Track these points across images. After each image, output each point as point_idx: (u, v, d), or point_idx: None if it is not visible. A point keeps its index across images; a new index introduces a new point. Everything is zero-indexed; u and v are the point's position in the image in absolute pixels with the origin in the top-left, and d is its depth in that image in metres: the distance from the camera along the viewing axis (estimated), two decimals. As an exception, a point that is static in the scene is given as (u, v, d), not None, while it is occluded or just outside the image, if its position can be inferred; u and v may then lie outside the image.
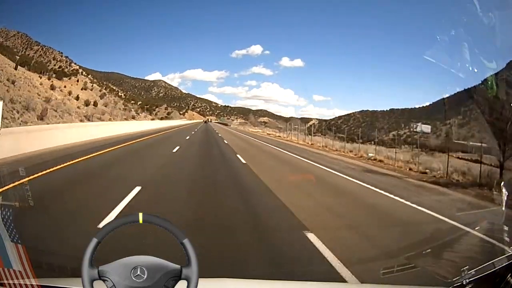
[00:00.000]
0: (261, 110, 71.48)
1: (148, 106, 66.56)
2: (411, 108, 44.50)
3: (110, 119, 35.96)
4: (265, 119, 69.42)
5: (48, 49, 49.47)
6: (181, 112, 71.61)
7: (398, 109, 46.99)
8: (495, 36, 3.51)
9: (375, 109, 51.84)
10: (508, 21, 3.43)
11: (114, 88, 62.22)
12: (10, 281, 1.36)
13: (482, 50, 4.35)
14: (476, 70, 4.37)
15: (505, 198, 2.28)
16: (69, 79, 43.73)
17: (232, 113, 74.00)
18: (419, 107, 43.14)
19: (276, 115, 70.48)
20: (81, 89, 43.19)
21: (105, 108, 42.67)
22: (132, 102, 62.11)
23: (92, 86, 46.66)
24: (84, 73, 51.90)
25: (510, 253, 1.52)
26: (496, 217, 4.10)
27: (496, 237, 3.82)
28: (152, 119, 54.13)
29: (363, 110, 53.35)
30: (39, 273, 1.50)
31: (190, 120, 71.61)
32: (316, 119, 66.85)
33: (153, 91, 71.38)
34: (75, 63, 51.97)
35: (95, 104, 40.74)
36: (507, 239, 3.27)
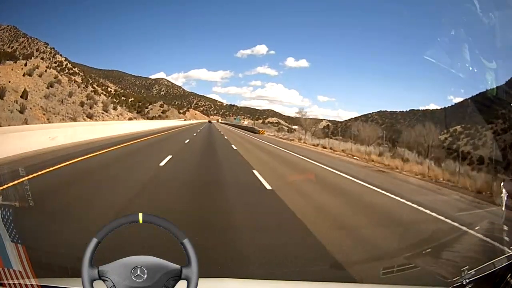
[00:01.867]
0: (268, 110, 69.04)
1: (141, 103, 62.49)
2: (432, 110, 40.59)
3: (26, 121, 25.40)
4: (274, 119, 67.01)
5: (33, 40, 47.70)
6: (181, 111, 67.76)
7: (419, 110, 43.09)
8: (495, 36, 3.52)
9: (394, 110, 48.29)
10: (508, 21, 3.43)
11: (105, 83, 59.33)
12: (10, 281, 1.36)
13: (482, 50, 4.36)
14: (476, 70, 4.37)
15: (505, 198, 2.29)
16: (15, 62, 35.85)
17: (238, 112, 71.39)
18: (440, 108, 39.04)
19: (284, 116, 68.31)
20: (23, 75, 34.04)
21: (44, 100, 32.21)
22: (123, 98, 58.56)
23: (45, 71, 37.16)
24: (66, 63, 48.75)
25: (510, 253, 1.52)
26: (496, 217, 4.10)
27: (496, 237, 3.82)
28: (131, 119, 44.41)
29: (380, 111, 49.90)
30: (39, 273, 1.50)
31: (192, 120, 66.21)
32: (327, 120, 64.73)
33: (154, 89, 69.30)
34: (60, 55, 49.61)
35: (24, 95, 30.17)
36: (507, 239, 3.27)
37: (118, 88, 66.86)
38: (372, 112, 50.19)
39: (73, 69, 51.39)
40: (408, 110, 45.71)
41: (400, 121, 44.85)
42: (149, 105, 65.35)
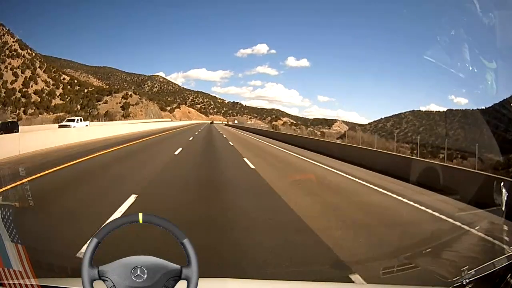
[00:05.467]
0: (275, 109, 63.58)
1: (97, 95, 46.92)
2: (472, 110, 33.14)
3: None
4: (286, 119, 60.04)
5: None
6: (169, 108, 55.83)
7: (458, 110, 36.80)
8: (495, 36, 3.52)
9: (429, 110, 41.98)
10: (508, 21, 3.43)
11: (60, 70, 49.71)
12: (10, 281, 1.36)
13: (482, 50, 4.36)
14: (476, 70, 4.38)
15: (505, 198, 2.29)
16: None
17: (243, 112, 65.16)
18: (485, 108, 33.29)
19: (292, 115, 61.84)
20: None
21: None
22: (77, 87, 48.21)
23: None
24: (12, 45, 43.48)
25: (510, 253, 1.52)
26: (496, 217, 4.10)
27: (496, 237, 3.83)
28: None
29: (414, 110, 44.42)
30: (39, 273, 1.50)
31: (179, 121, 50.73)
32: (342, 121, 59.26)
33: (146, 85, 63.55)
34: (12, 36, 45.81)
35: None
36: (507, 238, 3.28)
37: (101, 83, 57.02)
38: (405, 112, 44.95)
39: (18, 51, 45.57)
40: (445, 109, 40.29)
41: (439, 122, 38.54)
42: (108, 95, 48.51)
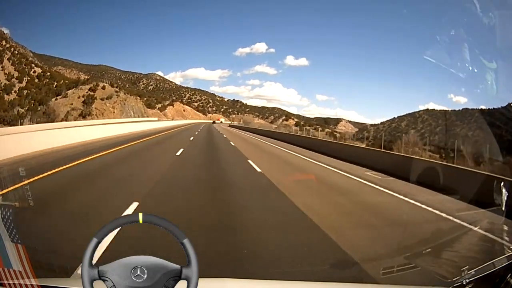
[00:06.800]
0: (277, 108, 60.95)
1: (56, 87, 39.02)
2: (489, 109, 27.74)
3: None
4: (295, 119, 54.54)
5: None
6: (159, 105, 51.13)
7: (474, 109, 34.27)
8: (495, 36, 3.52)
9: (445, 108, 39.78)
10: (508, 21, 3.44)
11: (31, 62, 45.22)
12: (10, 281, 1.36)
13: (482, 50, 4.37)
14: (476, 70, 4.38)
15: (505, 198, 2.29)
16: None
17: (244, 110, 61.44)
18: (503, 107, 29.27)
19: (295, 114, 58.90)
20: None
21: None
22: (46, 80, 42.60)
23: None
24: None
25: (510, 253, 1.52)
26: (496, 217, 4.11)
27: (496, 237, 3.83)
28: None
29: (428, 109, 41.98)
30: (39, 273, 1.50)
31: (171, 121, 42.44)
32: (347, 120, 56.43)
33: (141, 83, 60.69)
34: None
35: None
36: (507, 238, 3.28)
37: (89, 76, 52.82)
38: (420, 111, 42.73)
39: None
40: (461, 109, 38.20)
41: (456, 122, 36.38)
42: (73, 88, 38.55)
